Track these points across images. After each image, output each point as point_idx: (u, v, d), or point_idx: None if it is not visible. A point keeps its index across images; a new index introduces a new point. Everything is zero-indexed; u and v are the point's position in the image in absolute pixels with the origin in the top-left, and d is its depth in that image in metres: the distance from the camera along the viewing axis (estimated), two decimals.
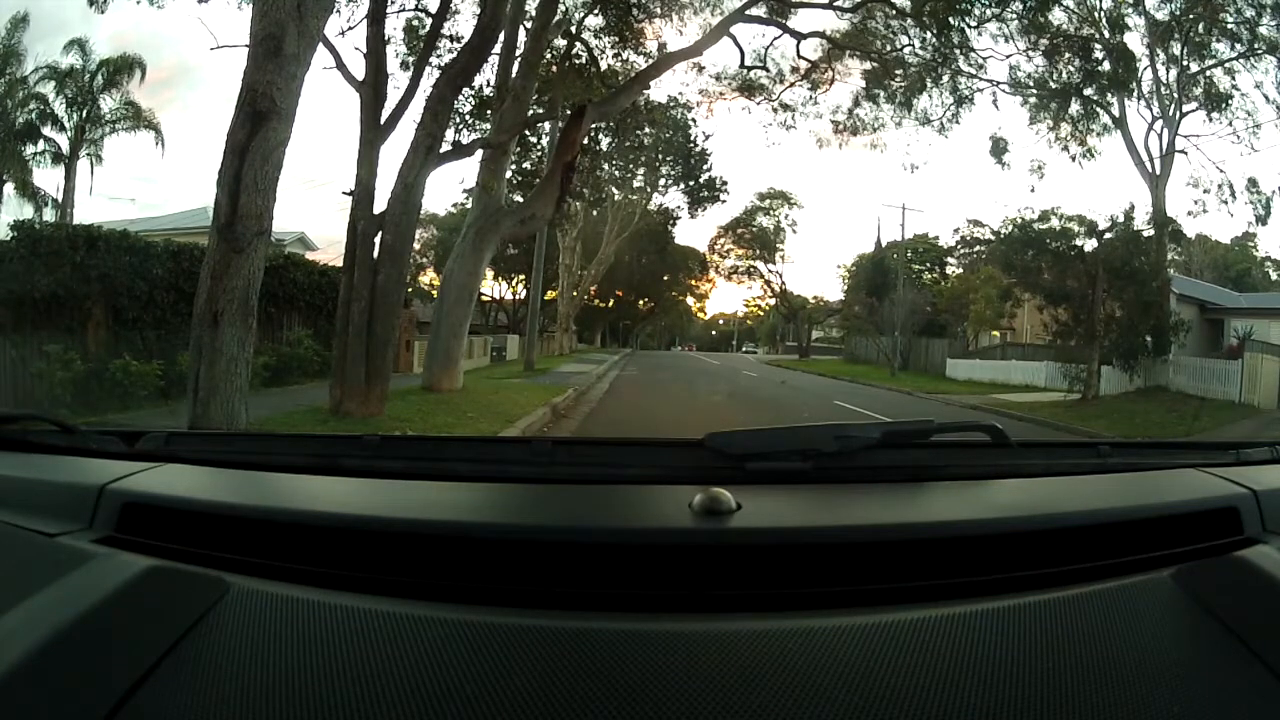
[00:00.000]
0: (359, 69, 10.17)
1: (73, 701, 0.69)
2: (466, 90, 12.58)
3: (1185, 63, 18.78)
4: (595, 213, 36.79)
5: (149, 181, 50.24)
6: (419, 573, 0.93)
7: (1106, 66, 18.54)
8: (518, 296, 43.82)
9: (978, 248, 38.97)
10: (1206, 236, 34.17)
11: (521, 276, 40.21)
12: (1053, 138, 20.75)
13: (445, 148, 10.88)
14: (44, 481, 1.18)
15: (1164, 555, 1.00)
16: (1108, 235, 17.64)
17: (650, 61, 15.64)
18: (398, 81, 11.71)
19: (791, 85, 18.68)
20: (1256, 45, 17.84)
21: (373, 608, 0.85)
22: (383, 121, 10.05)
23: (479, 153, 12.83)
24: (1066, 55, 18.66)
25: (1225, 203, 19.61)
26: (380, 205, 9.64)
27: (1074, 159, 19.83)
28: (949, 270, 40.85)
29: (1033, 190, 24.27)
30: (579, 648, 0.79)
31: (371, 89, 10.15)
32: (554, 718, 0.71)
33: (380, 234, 9.49)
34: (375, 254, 9.47)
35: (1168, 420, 13.97)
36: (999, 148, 22.04)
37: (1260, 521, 1.11)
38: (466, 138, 13.60)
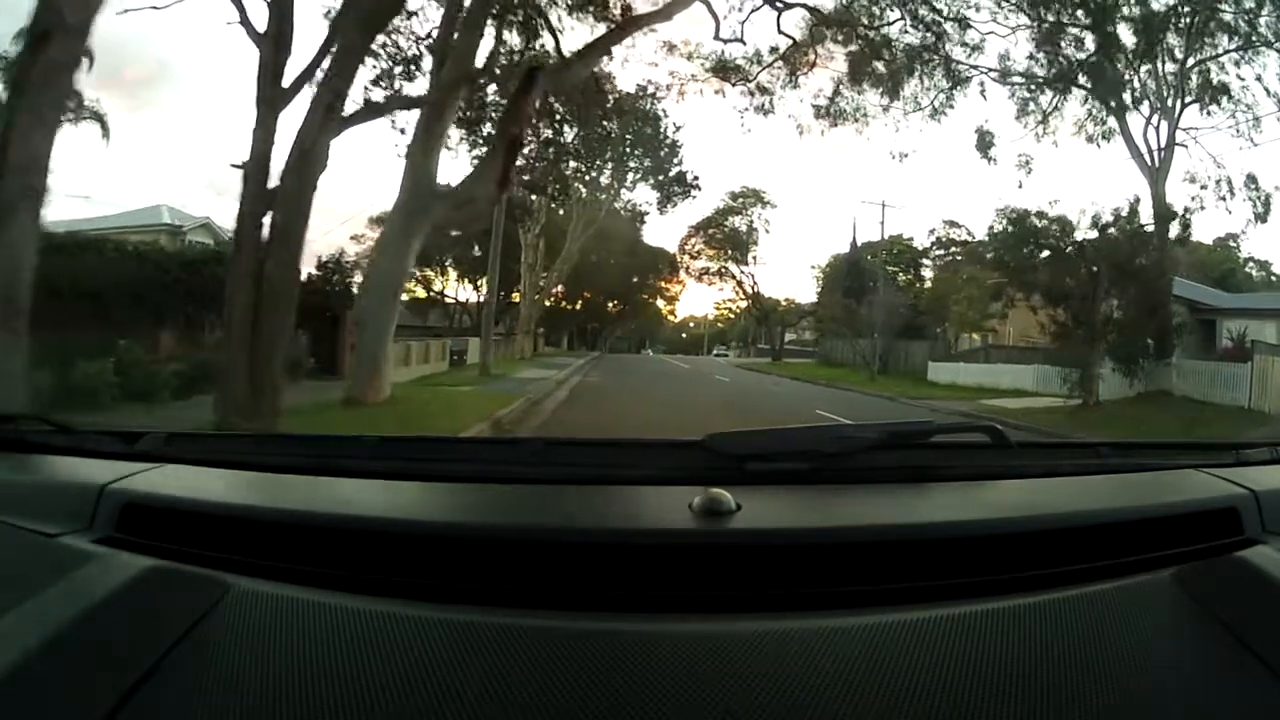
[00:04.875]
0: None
1: (73, 701, 0.69)
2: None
3: (1186, 54, 17.81)
4: (563, 211, 34.97)
5: (120, 181, 47.52)
6: (419, 573, 0.91)
7: (1103, 55, 17.48)
8: (482, 299, 42.15)
9: (953, 249, 37.81)
10: (1187, 237, 33.17)
11: (486, 277, 38.69)
12: (1040, 131, 19.92)
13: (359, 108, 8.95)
14: (44, 482, 1.18)
15: (1164, 556, 0.99)
16: (1110, 230, 16.11)
17: (613, 25, 13.72)
18: (317, 36, 9.65)
19: (770, 66, 17.11)
20: (1254, 39, 17.24)
21: (373, 608, 0.83)
22: (288, 83, 8.13)
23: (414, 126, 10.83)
24: (1064, 39, 17.27)
25: (1224, 199, 18.65)
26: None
27: (1057, 146, 18.61)
28: (924, 272, 40.13)
29: (1020, 186, 23.08)
30: (579, 648, 0.78)
31: (273, 41, 8.33)
32: (554, 718, 0.70)
33: (270, 214, 7.54)
34: (265, 238, 7.49)
35: (1179, 429, 12.87)
36: (985, 141, 20.88)
37: (1260, 522, 1.09)
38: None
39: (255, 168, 7.94)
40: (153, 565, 0.89)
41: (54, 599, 0.80)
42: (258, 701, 0.71)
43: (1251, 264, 39.72)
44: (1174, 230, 17.66)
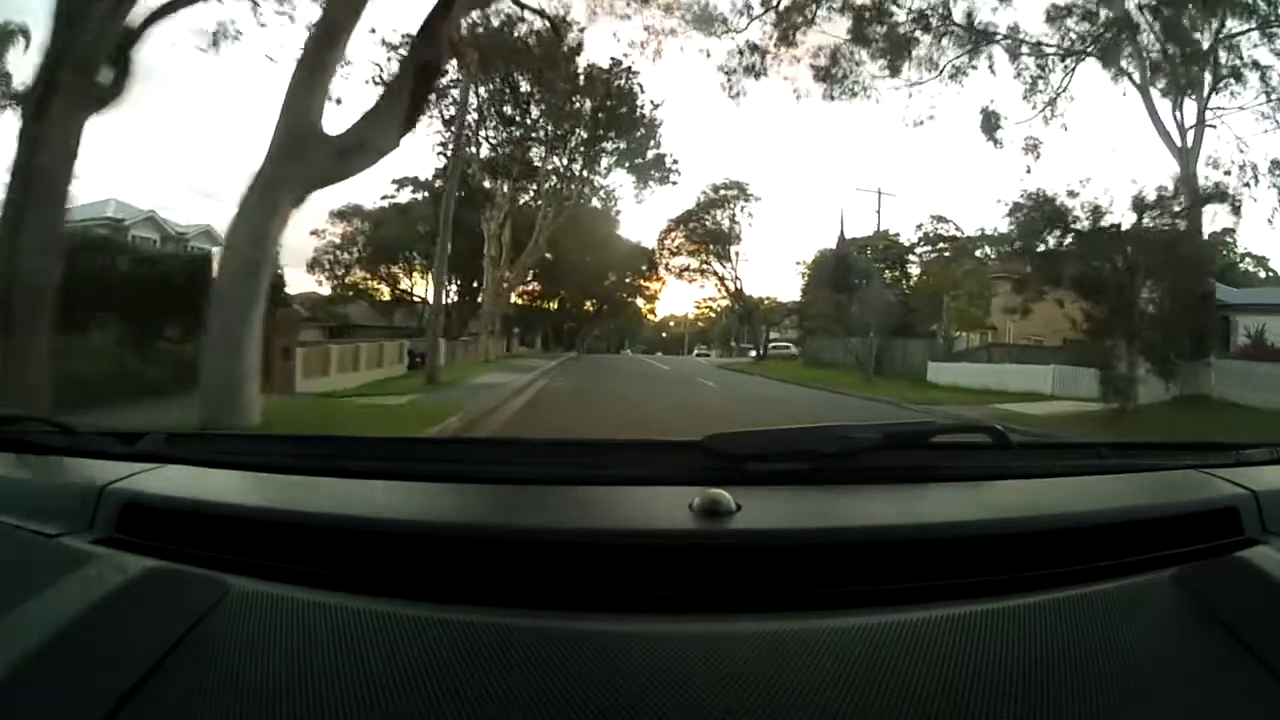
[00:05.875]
0: None
1: (73, 702, 0.71)
2: None
3: (1220, 26, 16.85)
4: (536, 203, 32.24)
5: (104, 184, 44.78)
6: (419, 573, 0.94)
7: (1129, 23, 16.68)
8: (450, 299, 39.98)
9: (941, 245, 38.14)
10: (1237, 222, 32.15)
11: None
12: (1050, 114, 19.07)
13: None
14: (44, 482, 1.22)
15: (1165, 556, 1.01)
16: (1151, 211, 14.87)
17: None
18: None
19: (760, 17, 14.88)
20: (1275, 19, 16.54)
21: (373, 608, 0.86)
22: None
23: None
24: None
25: (1248, 185, 17.82)
26: None
27: (1067, 130, 19.09)
28: (910, 269, 39.54)
29: (1029, 171, 21.42)
30: (580, 649, 0.80)
31: None
32: (555, 718, 0.72)
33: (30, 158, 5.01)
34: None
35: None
36: (991, 122, 19.75)
37: (1260, 522, 1.12)
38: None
39: (34, 109, 5.35)
40: (153, 566, 0.91)
41: (54, 599, 0.81)
42: (258, 702, 0.73)
43: (1248, 259, 38.29)
44: (1222, 214, 15.56)
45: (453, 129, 21.61)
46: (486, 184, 30.78)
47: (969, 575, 0.94)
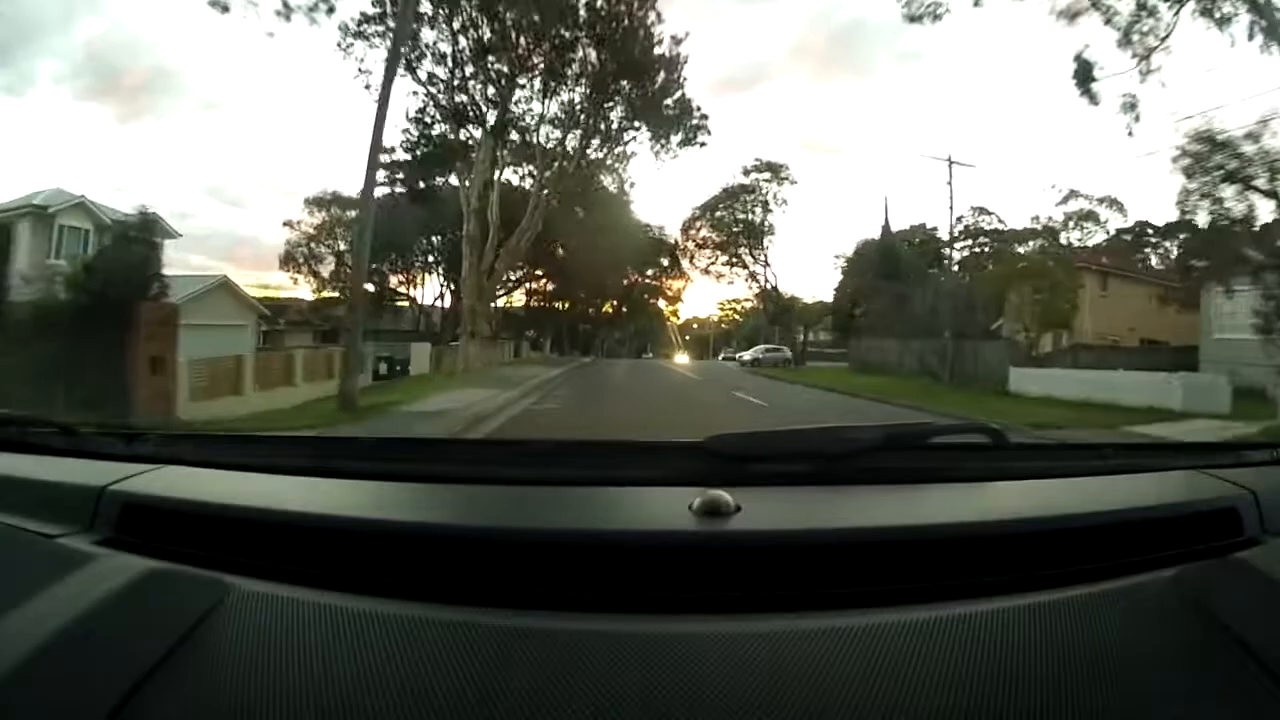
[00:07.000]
0: None
1: (73, 702, 0.74)
2: None
3: None
4: (532, 170, 27.45)
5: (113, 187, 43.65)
6: (420, 574, 0.99)
7: None
8: (444, 302, 36.63)
9: (981, 238, 37.40)
10: None
11: (452, 272, 33.18)
12: (1145, 68, 16.23)
13: None
14: (45, 483, 1.25)
15: (1165, 556, 1.06)
16: None
17: None
18: None
19: None
20: None
21: (373, 609, 0.90)
22: None
23: None
24: None
25: None
26: None
27: (1165, 87, 16.27)
28: (948, 265, 36.54)
29: (1130, 134, 18.54)
30: (580, 649, 0.84)
31: None
32: (557, 717, 0.75)
33: None
34: None
35: None
36: (1085, 72, 17.18)
37: (1260, 523, 1.16)
38: None
39: None
40: (153, 567, 0.94)
41: (54, 600, 0.84)
42: (258, 702, 0.75)
43: None
44: None
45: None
46: (465, 137, 25.41)
47: (969, 576, 0.98)
